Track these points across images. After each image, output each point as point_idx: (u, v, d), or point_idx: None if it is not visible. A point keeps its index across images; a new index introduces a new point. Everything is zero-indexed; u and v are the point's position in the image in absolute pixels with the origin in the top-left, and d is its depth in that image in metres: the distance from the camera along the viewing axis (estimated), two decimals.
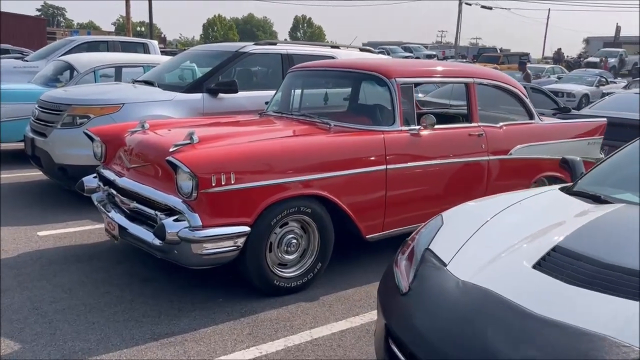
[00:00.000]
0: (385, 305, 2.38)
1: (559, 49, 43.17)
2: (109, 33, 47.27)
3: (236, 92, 5.89)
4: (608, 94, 18.92)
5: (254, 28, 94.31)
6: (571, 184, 3.25)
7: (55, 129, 5.54)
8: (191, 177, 3.15)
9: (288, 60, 6.46)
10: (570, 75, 23.77)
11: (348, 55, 7.02)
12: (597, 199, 2.83)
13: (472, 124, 4.60)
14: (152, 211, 3.50)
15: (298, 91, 4.95)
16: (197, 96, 5.89)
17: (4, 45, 14.95)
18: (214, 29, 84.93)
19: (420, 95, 7.92)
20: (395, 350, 2.20)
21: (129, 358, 2.86)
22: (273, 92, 5.96)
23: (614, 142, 6.27)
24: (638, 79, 20.32)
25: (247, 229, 3.31)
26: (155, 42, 11.37)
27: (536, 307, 1.94)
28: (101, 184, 4.17)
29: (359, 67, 4.58)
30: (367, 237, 3.94)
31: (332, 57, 6.71)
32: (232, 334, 3.14)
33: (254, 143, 3.59)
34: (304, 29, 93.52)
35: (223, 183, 3.21)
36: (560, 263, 2.17)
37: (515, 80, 5.37)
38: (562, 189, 3.13)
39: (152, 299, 3.52)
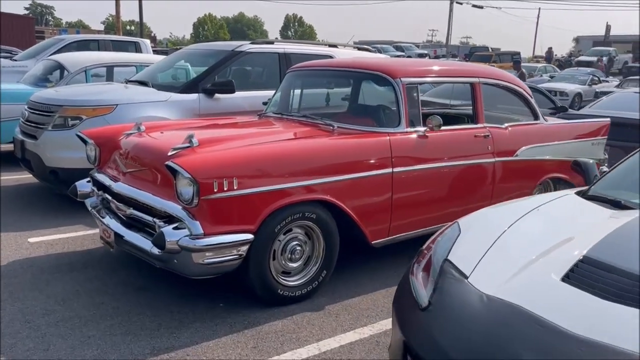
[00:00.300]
0: (403, 320, 2.25)
1: (550, 48, 43.27)
2: (98, 32, 46.81)
3: (233, 92, 5.74)
4: (601, 92, 19.05)
5: (244, 27, 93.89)
6: (586, 187, 3.13)
7: (46, 131, 5.36)
8: (192, 182, 3.00)
9: (285, 59, 6.32)
10: (563, 74, 23.76)
11: (346, 55, 6.88)
12: (617, 204, 2.72)
13: (478, 125, 4.48)
14: (150, 218, 3.34)
15: (298, 91, 4.80)
16: (193, 96, 5.73)
17: None
18: (204, 28, 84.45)
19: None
20: None
21: None
22: (270, 92, 5.83)
23: (615, 142, 6.20)
24: (631, 77, 20.32)
25: (250, 236, 3.16)
26: (147, 41, 11.16)
27: (570, 325, 1.81)
28: (95, 189, 4.00)
29: (362, 66, 4.44)
30: (372, 242, 3.81)
31: (330, 56, 6.59)
32: (236, 347, 2.98)
33: (256, 146, 3.44)
34: (294, 28, 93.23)
35: (225, 189, 3.06)
36: (590, 275, 2.04)
37: (520, 80, 5.26)
38: (578, 193, 3.01)
39: (150, 310, 3.36)
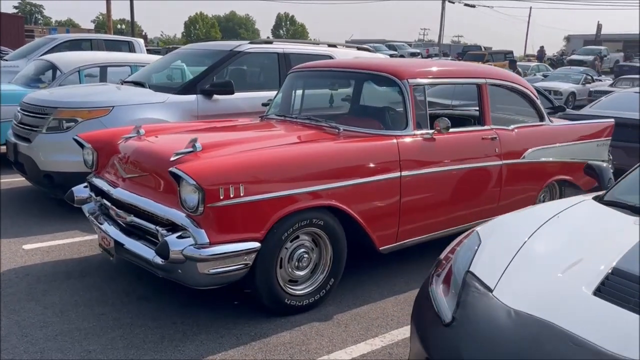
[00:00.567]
0: (425, 336, 2.14)
1: (542, 47, 43.39)
2: (88, 31, 46.41)
3: (232, 93, 5.61)
4: (595, 91, 19.07)
5: (236, 26, 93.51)
6: (602, 192, 3.04)
7: (40, 134, 5.20)
8: (197, 189, 2.87)
9: (285, 59, 6.20)
10: (556, 73, 23.78)
11: (345, 54, 6.77)
12: (637, 211, 2.63)
13: (485, 127, 4.39)
14: (152, 226, 3.21)
15: (301, 93, 4.68)
16: (191, 98, 5.59)
17: None
18: (195, 26, 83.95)
19: None
20: None
21: None
22: (270, 93, 5.72)
23: (616, 142, 6.12)
24: (625, 77, 20.36)
25: (257, 244, 3.04)
26: (141, 41, 10.97)
27: (606, 343, 1.72)
28: (93, 195, 3.86)
29: (368, 67, 4.33)
30: (380, 248, 3.70)
31: (330, 56, 6.48)
32: None
33: (262, 151, 3.32)
34: (286, 27, 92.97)
35: (232, 196, 2.94)
36: (622, 289, 1.95)
37: (525, 81, 5.17)
38: (595, 199, 2.92)
39: (153, 321, 3.24)
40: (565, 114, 7.81)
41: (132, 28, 28.79)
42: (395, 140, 3.72)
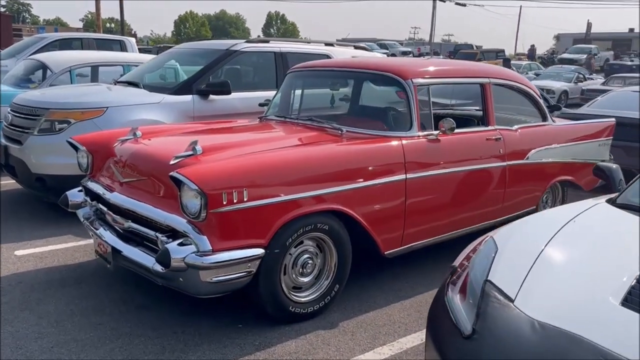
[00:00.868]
0: (444, 349, 2.04)
1: (532, 46, 43.52)
2: (77, 30, 45.91)
3: (229, 93, 5.49)
4: (587, 90, 19.11)
5: (226, 25, 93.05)
6: (614, 195, 2.97)
7: (32, 136, 5.05)
8: (199, 194, 2.76)
9: (282, 58, 6.09)
10: (548, 71, 23.84)
11: (343, 54, 6.66)
12: None
13: (489, 128, 4.31)
14: (151, 232, 3.09)
15: (300, 93, 4.57)
16: (187, 98, 5.47)
17: None
18: (185, 25, 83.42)
19: None
20: None
21: None
22: (266, 92, 5.61)
23: (615, 141, 6.07)
24: (618, 75, 20.43)
25: (261, 251, 2.94)
26: (132, 40, 10.81)
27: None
28: (88, 199, 3.74)
29: (370, 67, 4.23)
30: (385, 253, 3.61)
31: (327, 56, 6.38)
32: None
33: (265, 154, 3.21)
34: (277, 26, 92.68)
35: (235, 201, 2.83)
36: None
37: (528, 80, 5.10)
38: (608, 202, 2.85)
39: (153, 331, 3.12)
40: (563, 114, 7.77)
41: (122, 27, 28.54)
42: (400, 142, 3.63)
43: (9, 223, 4.89)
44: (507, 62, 16.87)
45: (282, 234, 3.03)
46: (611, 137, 5.59)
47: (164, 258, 2.81)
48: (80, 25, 72.59)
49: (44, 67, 7.28)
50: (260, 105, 5.26)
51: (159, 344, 2.99)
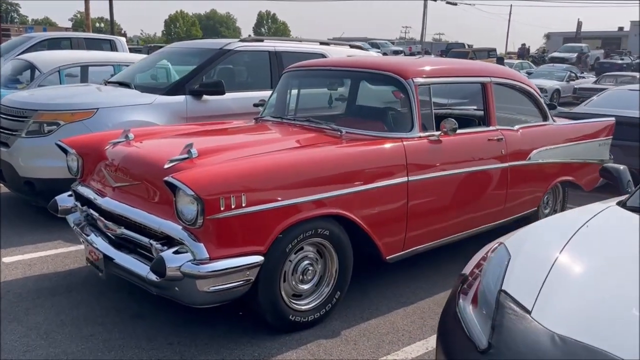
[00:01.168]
0: None
1: (523, 44, 43.67)
2: (66, 29, 45.48)
3: (223, 93, 5.36)
4: (580, 88, 19.14)
5: (217, 24, 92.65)
6: (624, 197, 2.87)
7: (20, 138, 4.89)
8: (195, 200, 2.64)
9: (276, 58, 5.97)
10: (540, 70, 23.88)
11: (338, 53, 6.55)
12: None
13: (491, 128, 4.21)
14: (145, 239, 2.96)
15: (297, 93, 4.45)
16: (180, 99, 5.33)
17: None
18: (176, 25, 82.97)
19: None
20: None
21: None
22: (261, 92, 5.50)
23: (614, 140, 6.00)
24: (610, 73, 20.48)
25: (260, 258, 2.82)
26: (122, 39, 10.62)
27: None
28: (78, 204, 3.60)
29: (370, 66, 4.12)
30: (387, 258, 3.50)
31: (323, 55, 6.27)
32: None
33: (264, 157, 3.09)
34: (268, 25, 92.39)
35: (233, 206, 2.71)
36: None
37: (528, 79, 5.01)
38: (619, 204, 2.75)
39: (147, 342, 2.99)
40: (560, 113, 7.70)
41: (112, 26, 28.24)
42: (401, 143, 3.52)
43: None
44: (500, 61, 16.81)
45: (281, 240, 2.91)
46: (611, 137, 5.53)
47: (158, 267, 2.68)
48: (69, 25, 72.05)
49: (32, 67, 7.11)
50: (255, 105, 5.15)
51: (153, 356, 2.86)
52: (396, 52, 35.83)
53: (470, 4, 53.51)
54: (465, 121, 4.58)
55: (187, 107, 5.33)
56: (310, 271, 3.16)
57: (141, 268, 2.91)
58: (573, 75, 21.64)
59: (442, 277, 4.02)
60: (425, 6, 45.88)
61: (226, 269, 2.70)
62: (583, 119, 5.74)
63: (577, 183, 5.13)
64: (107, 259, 3.12)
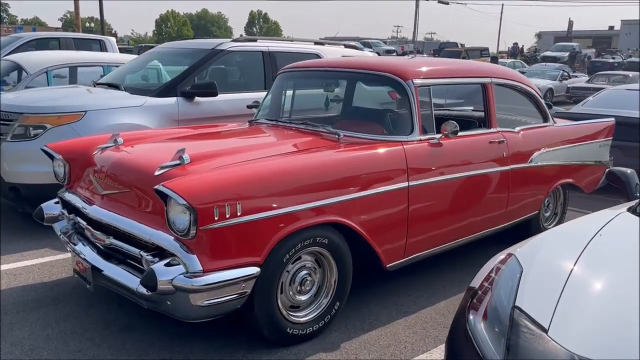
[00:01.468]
0: None
1: (515, 44, 43.75)
2: (56, 29, 45.05)
3: (215, 95, 5.22)
4: (573, 88, 19.14)
5: (208, 24, 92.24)
6: (634, 203, 2.76)
7: (4, 142, 4.72)
8: (188, 210, 2.50)
9: (270, 58, 5.84)
10: (532, 69, 23.86)
11: (333, 53, 6.42)
12: None
13: (492, 130, 4.10)
14: (135, 250, 2.82)
15: (292, 95, 4.32)
16: (171, 100, 5.18)
17: None
18: (167, 24, 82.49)
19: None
20: None
21: None
22: (254, 94, 5.36)
23: (613, 141, 5.91)
24: (602, 72, 20.49)
25: (256, 269, 2.68)
26: (112, 39, 10.43)
27: None
28: (65, 212, 3.45)
29: (368, 67, 3.99)
30: (387, 266, 3.37)
31: (317, 55, 6.15)
32: None
33: (259, 162, 2.95)
34: (259, 25, 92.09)
35: (228, 216, 2.57)
36: None
37: (527, 79, 4.90)
38: (629, 210, 2.64)
39: (138, 357, 2.85)
40: (557, 113, 7.61)
41: (102, 26, 27.97)
42: (401, 147, 3.40)
43: None
44: (494, 61, 16.75)
45: (278, 249, 2.78)
46: (611, 138, 5.44)
47: (149, 280, 2.54)
48: (59, 24, 71.47)
49: (18, 68, 6.92)
50: (249, 107, 5.01)
51: None
52: (388, 52, 35.77)
53: (461, 3, 53.61)
54: (465, 123, 4.47)
55: (178, 109, 5.19)
56: (308, 281, 3.03)
57: (131, 280, 2.76)
58: (566, 74, 21.63)
59: (442, 283, 3.90)
60: (417, 5, 45.87)
61: (221, 281, 2.56)
62: (581, 119, 5.64)
63: (578, 185, 5.03)
64: (95, 270, 2.97)
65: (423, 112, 3.58)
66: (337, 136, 3.51)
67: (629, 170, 3.32)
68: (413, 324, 3.32)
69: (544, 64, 27.55)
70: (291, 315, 2.98)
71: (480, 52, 29.86)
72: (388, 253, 3.34)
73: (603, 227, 2.41)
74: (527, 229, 4.56)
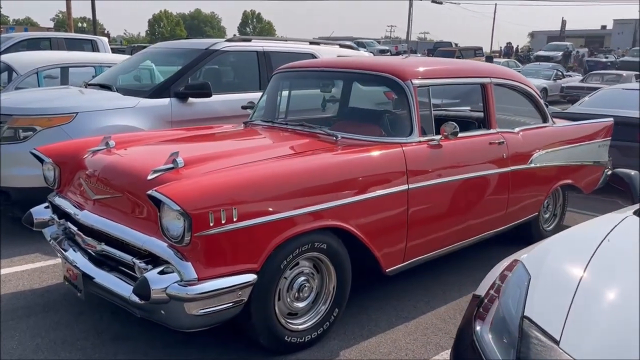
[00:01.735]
0: None
1: (509, 43, 43.80)
2: (48, 29, 44.73)
3: (209, 95, 5.13)
4: (567, 87, 19.14)
5: (201, 24, 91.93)
6: (638, 206, 2.69)
7: None
8: (182, 216, 2.41)
9: (265, 58, 5.76)
10: (527, 69, 23.84)
11: (329, 53, 6.34)
12: None
13: (492, 131, 4.03)
14: (127, 256, 2.72)
15: (288, 95, 4.23)
16: (164, 102, 5.09)
17: None
18: (160, 24, 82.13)
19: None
20: None
21: None
22: (249, 94, 5.27)
23: (612, 141, 5.86)
24: (596, 72, 20.51)
25: (253, 277, 2.60)
26: (104, 39, 10.31)
27: None
28: (55, 217, 3.35)
29: (365, 67, 3.91)
30: (387, 270, 3.30)
31: (313, 55, 6.07)
32: None
33: (255, 165, 2.86)
34: (253, 25, 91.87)
35: (223, 221, 2.48)
36: None
37: (527, 79, 4.84)
38: (636, 213, 2.57)
39: None
40: (553, 113, 7.55)
41: (94, 26, 27.75)
42: (400, 149, 3.32)
43: None
44: (489, 60, 16.69)
45: (276, 256, 2.69)
46: (610, 138, 5.39)
47: (142, 289, 2.45)
48: (51, 25, 71.05)
49: (9, 69, 6.80)
50: (243, 107, 4.91)
51: None
52: (382, 52, 35.71)
53: (455, 3, 53.61)
54: (464, 124, 4.40)
55: (172, 111, 5.09)
56: (306, 288, 2.95)
57: (123, 288, 2.67)
58: (560, 73, 21.65)
59: (441, 287, 3.84)
60: (410, 5, 45.86)
61: (216, 290, 2.47)
62: (579, 119, 5.59)
63: (577, 186, 4.98)
64: (87, 277, 2.87)
65: (422, 112, 3.51)
66: (334, 138, 3.43)
67: (632, 172, 3.25)
68: (413, 330, 3.25)
69: (537, 63, 27.57)
70: (289, 322, 2.89)
71: (474, 52, 29.85)
72: (387, 257, 3.26)
73: (610, 231, 2.34)
74: (526, 231, 4.50)
